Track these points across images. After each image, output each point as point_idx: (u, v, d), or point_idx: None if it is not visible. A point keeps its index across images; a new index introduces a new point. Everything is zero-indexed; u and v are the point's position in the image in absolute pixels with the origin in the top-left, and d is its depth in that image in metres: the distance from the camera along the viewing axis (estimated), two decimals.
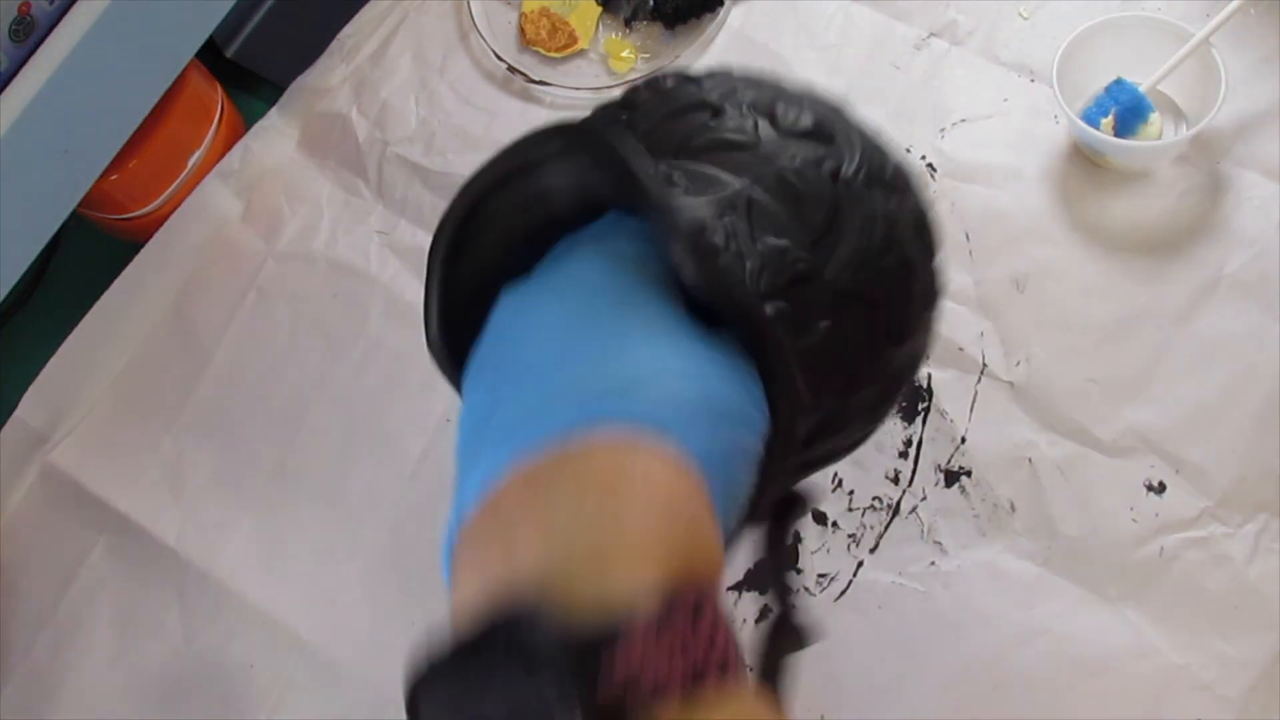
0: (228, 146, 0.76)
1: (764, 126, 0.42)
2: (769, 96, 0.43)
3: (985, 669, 0.56)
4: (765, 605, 0.60)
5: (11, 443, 0.69)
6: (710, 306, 0.34)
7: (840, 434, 0.43)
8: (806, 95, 0.44)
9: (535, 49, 0.76)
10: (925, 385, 0.63)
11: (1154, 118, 0.63)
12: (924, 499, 0.61)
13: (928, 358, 0.46)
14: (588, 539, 0.26)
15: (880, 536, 0.60)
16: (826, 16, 0.73)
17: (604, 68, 0.75)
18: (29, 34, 0.60)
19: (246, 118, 0.79)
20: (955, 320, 0.63)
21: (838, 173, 0.41)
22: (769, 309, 0.37)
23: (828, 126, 0.42)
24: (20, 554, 0.68)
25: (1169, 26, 0.63)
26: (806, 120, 0.42)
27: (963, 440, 0.62)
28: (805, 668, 0.58)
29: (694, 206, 0.37)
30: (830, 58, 0.72)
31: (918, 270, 0.43)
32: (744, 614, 0.60)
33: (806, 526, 0.61)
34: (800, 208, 0.40)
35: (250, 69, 0.80)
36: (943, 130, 0.69)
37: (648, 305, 0.32)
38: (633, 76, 0.73)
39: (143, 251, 0.73)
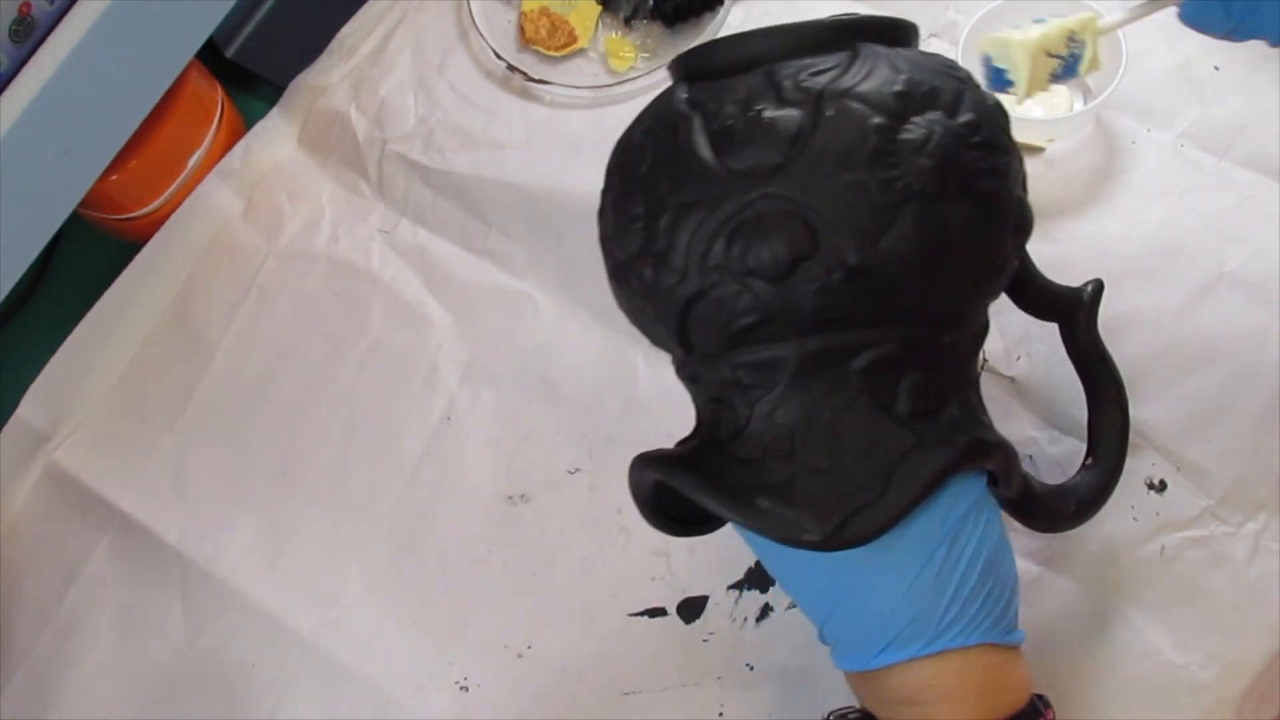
0: (228, 146, 0.76)
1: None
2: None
3: None
4: (766, 604, 0.60)
5: (13, 442, 0.70)
6: None
7: None
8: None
9: (535, 48, 0.76)
10: None
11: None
12: None
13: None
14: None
15: None
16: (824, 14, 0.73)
17: (604, 66, 0.75)
18: (29, 34, 0.60)
19: (246, 118, 0.79)
20: None
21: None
22: None
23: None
24: (23, 553, 0.68)
25: (1082, 8, 0.63)
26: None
27: None
28: (807, 667, 0.58)
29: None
30: None
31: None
32: (745, 613, 0.60)
33: None
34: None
35: (250, 69, 0.80)
36: None
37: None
38: (632, 75, 0.73)
39: (143, 251, 0.73)
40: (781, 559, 0.48)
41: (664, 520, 0.51)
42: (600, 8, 0.76)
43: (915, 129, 0.43)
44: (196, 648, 0.64)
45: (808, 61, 0.45)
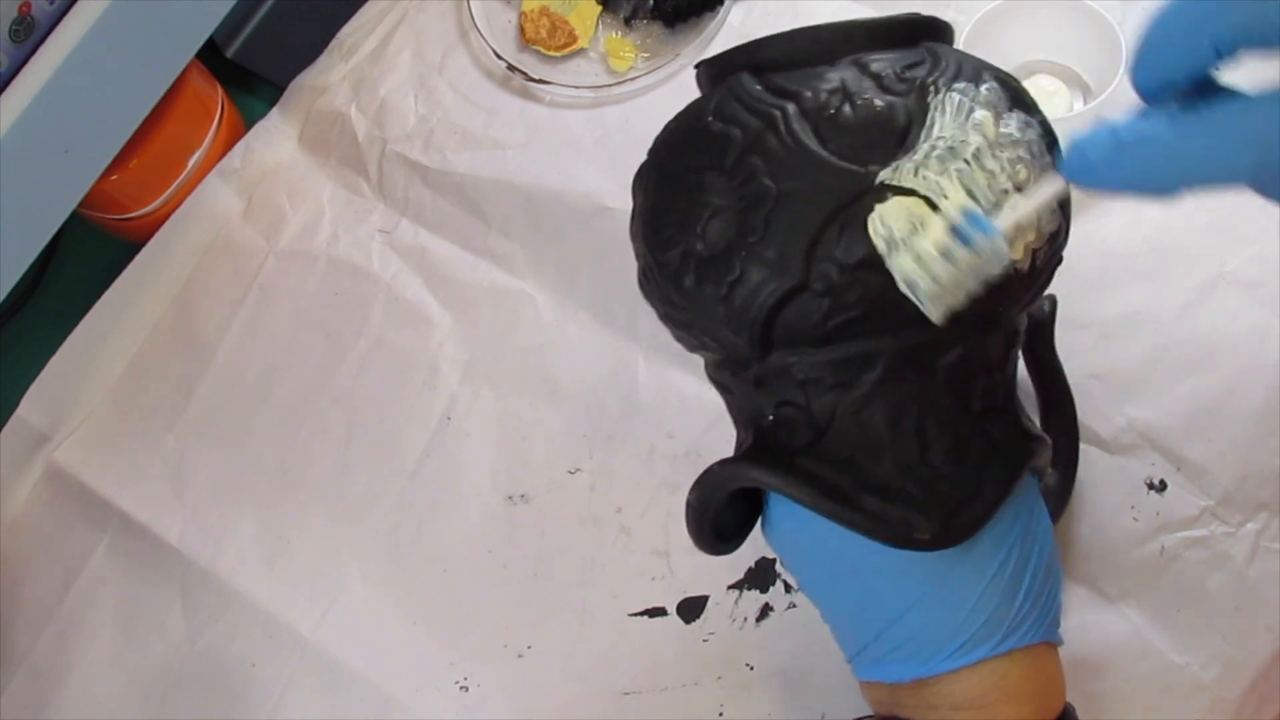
0: (228, 146, 0.76)
1: None
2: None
3: None
4: (766, 604, 0.60)
5: (13, 442, 0.70)
6: None
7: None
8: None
9: (535, 48, 0.76)
10: None
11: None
12: None
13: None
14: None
15: None
16: (825, 16, 0.73)
17: (604, 66, 0.75)
18: (29, 34, 0.60)
19: (246, 118, 0.79)
20: None
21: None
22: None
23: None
24: (23, 553, 0.68)
25: (1083, 8, 0.64)
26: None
27: None
28: (807, 667, 0.58)
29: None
30: None
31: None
32: (745, 613, 0.60)
33: None
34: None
35: (250, 69, 0.80)
36: None
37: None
38: (632, 75, 0.73)
39: (143, 251, 0.73)
40: (836, 570, 0.47)
41: (714, 538, 0.50)
42: (600, 8, 0.76)
43: (1011, 124, 0.43)
44: (196, 648, 0.64)
45: (893, 55, 0.45)
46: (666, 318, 0.48)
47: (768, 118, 0.44)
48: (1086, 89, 0.67)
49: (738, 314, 0.44)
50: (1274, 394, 0.59)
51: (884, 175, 0.42)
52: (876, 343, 0.43)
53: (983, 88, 0.44)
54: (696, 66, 0.49)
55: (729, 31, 0.74)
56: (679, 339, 0.49)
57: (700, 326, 0.47)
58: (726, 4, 0.74)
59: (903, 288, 0.42)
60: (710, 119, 0.45)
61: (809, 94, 0.44)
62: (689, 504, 0.48)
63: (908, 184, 0.42)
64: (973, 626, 0.44)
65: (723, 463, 0.47)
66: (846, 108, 0.43)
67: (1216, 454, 0.58)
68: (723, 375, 0.49)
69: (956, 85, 0.44)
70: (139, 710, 0.63)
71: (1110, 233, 0.64)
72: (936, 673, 0.45)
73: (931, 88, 0.43)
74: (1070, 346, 0.61)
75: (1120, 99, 0.64)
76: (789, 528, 0.48)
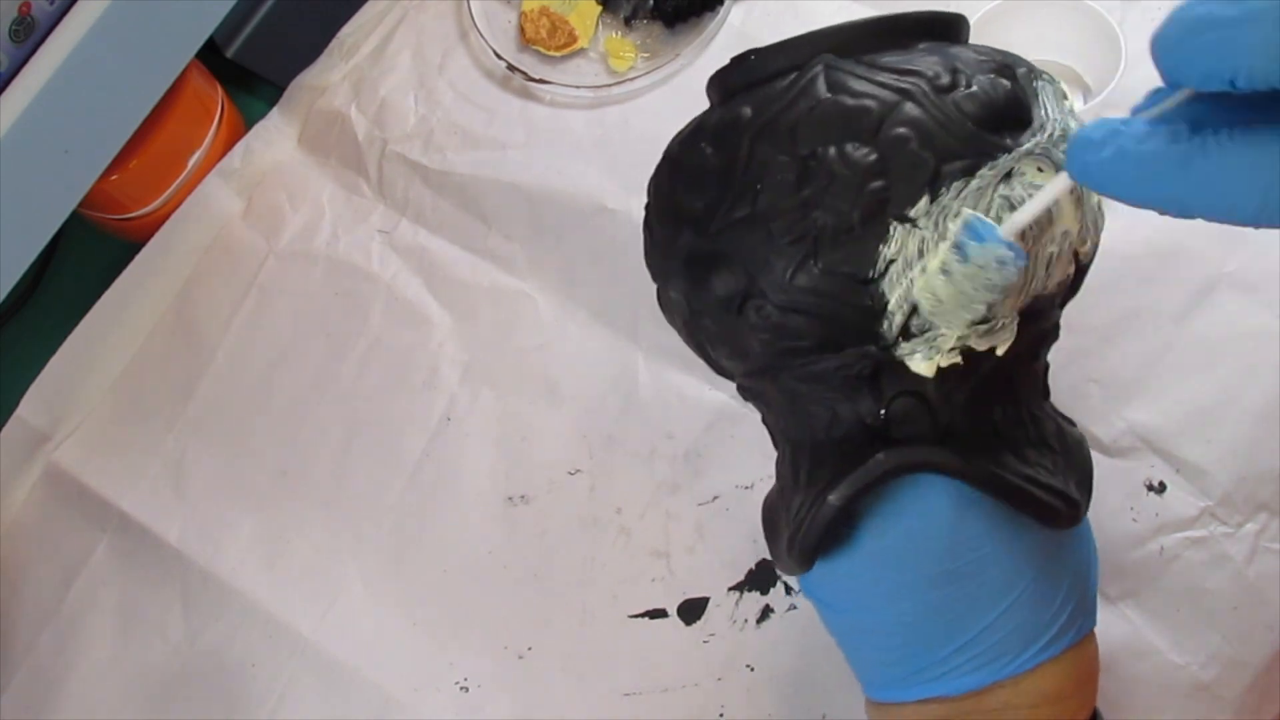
0: (228, 146, 0.76)
1: None
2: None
3: None
4: (766, 605, 0.60)
5: (13, 442, 0.70)
6: None
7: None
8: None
9: (535, 48, 0.76)
10: None
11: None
12: None
13: None
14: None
15: None
16: (826, 16, 0.73)
17: (604, 66, 0.75)
18: (29, 34, 0.59)
19: (246, 118, 0.79)
20: None
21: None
22: None
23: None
24: (22, 553, 0.68)
25: (1083, 8, 0.64)
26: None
27: None
28: (808, 668, 0.58)
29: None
30: None
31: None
32: (745, 614, 0.60)
33: None
34: None
35: (250, 69, 0.80)
36: None
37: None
38: (632, 75, 0.73)
39: (143, 251, 0.73)
40: (924, 581, 0.43)
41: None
42: (600, 8, 0.76)
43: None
44: (196, 648, 0.64)
45: (971, 45, 0.46)
46: (758, 315, 0.44)
47: (902, 91, 0.42)
48: (1086, 89, 0.67)
49: (886, 293, 0.42)
50: (1273, 395, 0.59)
51: (1024, 150, 0.42)
52: (1008, 327, 0.44)
53: (1054, 81, 0.46)
54: (751, 54, 0.47)
55: (729, 31, 0.74)
56: (750, 337, 0.45)
57: (819, 316, 0.43)
58: (726, 4, 0.74)
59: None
60: (831, 95, 0.43)
61: (929, 72, 0.43)
62: (831, 505, 0.42)
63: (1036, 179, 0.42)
64: (1063, 616, 0.44)
65: (887, 453, 0.42)
66: (976, 86, 0.42)
67: (1215, 455, 0.58)
68: (812, 375, 0.44)
69: (1043, 75, 0.45)
70: (139, 710, 0.63)
71: (1110, 234, 0.63)
72: (1022, 671, 0.43)
73: (1029, 75, 0.44)
74: (1069, 350, 0.61)
75: (1120, 99, 0.65)
76: (879, 544, 0.44)
